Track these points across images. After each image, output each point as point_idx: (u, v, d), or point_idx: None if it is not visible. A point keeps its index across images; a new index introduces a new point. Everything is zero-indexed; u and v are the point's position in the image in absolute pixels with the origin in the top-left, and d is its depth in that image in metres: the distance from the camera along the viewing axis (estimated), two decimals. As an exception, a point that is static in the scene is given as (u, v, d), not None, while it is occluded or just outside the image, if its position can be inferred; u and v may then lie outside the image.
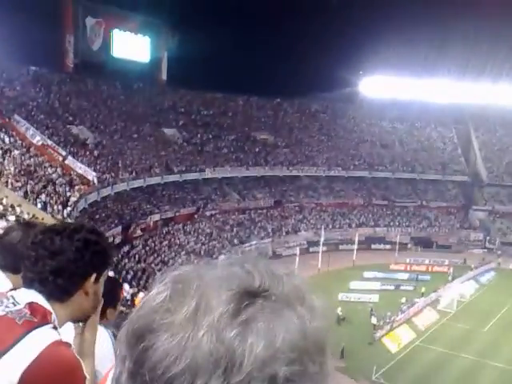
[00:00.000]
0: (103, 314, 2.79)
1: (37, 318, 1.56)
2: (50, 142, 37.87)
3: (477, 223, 61.80)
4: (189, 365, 0.61)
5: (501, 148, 69.65)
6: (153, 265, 36.49)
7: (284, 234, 52.79)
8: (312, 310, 0.68)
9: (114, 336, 2.70)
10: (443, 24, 57.89)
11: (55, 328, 1.59)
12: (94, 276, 1.76)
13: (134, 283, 30.24)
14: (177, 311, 0.65)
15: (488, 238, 59.05)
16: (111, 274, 25.90)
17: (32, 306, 1.59)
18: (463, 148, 70.33)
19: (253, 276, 0.68)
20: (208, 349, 0.61)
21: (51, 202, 30.87)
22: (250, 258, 0.73)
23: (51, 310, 1.62)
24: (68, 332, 1.81)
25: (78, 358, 1.56)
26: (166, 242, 42.02)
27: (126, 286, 24.38)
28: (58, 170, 35.42)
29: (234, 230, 50.13)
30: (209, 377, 0.60)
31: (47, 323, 1.57)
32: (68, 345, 1.57)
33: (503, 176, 65.60)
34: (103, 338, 2.54)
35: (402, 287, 42.07)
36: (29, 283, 1.67)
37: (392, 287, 41.95)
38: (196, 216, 48.56)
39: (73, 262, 1.70)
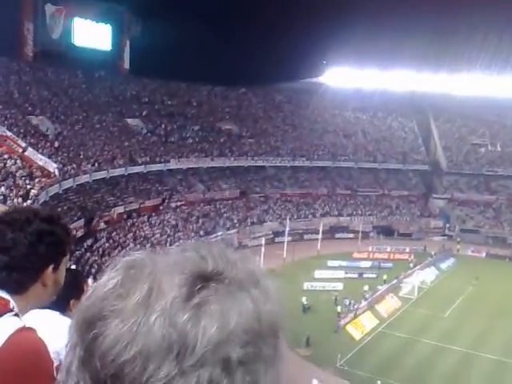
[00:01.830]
0: (67, 306, 2.84)
1: None
2: (9, 134, 36.88)
3: (436, 211, 63.45)
4: (140, 351, 0.60)
5: (460, 137, 71.53)
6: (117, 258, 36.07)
7: (250, 224, 52.98)
8: (266, 292, 0.68)
9: None
10: (404, 17, 58.84)
11: (17, 315, 1.57)
12: (51, 267, 1.71)
13: (98, 277, 29.90)
14: (128, 296, 0.64)
15: (447, 225, 60.79)
16: (74, 266, 25.65)
17: None
18: (423, 137, 71.89)
19: (206, 260, 0.68)
20: (160, 334, 0.60)
21: (11, 194, 30.24)
22: (204, 243, 0.72)
23: (10, 299, 1.59)
24: (36, 318, 1.80)
25: (44, 341, 1.55)
26: (130, 235, 41.60)
27: (89, 281, 24.10)
28: (18, 161, 34.56)
29: (200, 221, 50.03)
30: (161, 362, 0.60)
31: (9, 311, 1.56)
32: (33, 330, 1.54)
33: (462, 164, 67.45)
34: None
35: (365, 275, 42.90)
36: None
37: (355, 275, 42.75)
38: (161, 207, 48.20)
39: (26, 257, 1.64)
